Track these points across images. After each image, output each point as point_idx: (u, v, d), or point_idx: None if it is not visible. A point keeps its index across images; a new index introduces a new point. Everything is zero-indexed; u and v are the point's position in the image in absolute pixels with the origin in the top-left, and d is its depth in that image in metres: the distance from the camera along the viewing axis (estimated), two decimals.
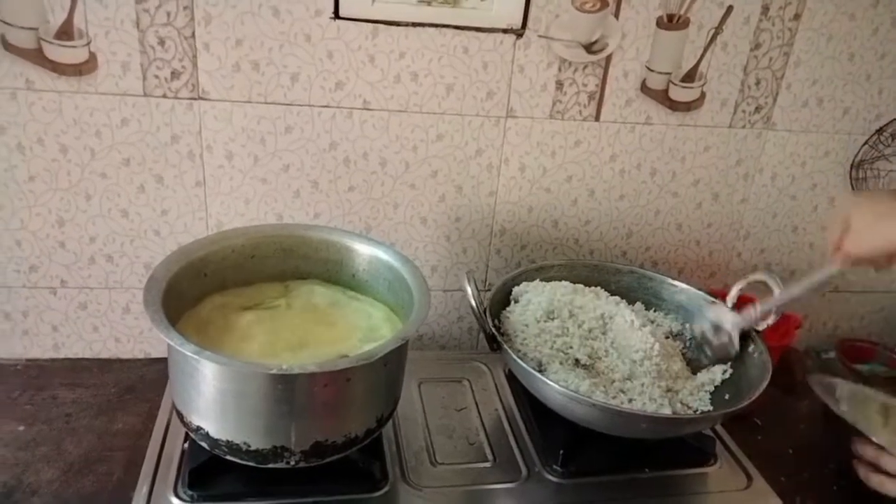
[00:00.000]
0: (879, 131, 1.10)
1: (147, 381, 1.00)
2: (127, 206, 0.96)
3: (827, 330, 1.28)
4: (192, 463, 0.77)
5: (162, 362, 1.03)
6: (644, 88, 1.01)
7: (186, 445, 0.82)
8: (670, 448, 0.87)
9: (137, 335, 1.05)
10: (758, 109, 1.06)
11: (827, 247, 0.80)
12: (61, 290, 1.00)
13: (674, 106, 1.03)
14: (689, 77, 1.01)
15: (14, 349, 1.02)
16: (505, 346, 0.83)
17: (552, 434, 0.87)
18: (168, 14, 0.86)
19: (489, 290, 1.02)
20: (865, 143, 1.11)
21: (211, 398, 0.69)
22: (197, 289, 0.83)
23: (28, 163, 0.91)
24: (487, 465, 0.86)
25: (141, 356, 1.06)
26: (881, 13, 1.02)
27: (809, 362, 1.18)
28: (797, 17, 1.00)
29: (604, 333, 0.92)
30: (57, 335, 1.03)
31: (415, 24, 0.91)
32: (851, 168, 1.13)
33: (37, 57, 0.85)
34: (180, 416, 0.75)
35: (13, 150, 0.90)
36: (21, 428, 0.89)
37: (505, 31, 0.94)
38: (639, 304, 1.00)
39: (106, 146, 0.91)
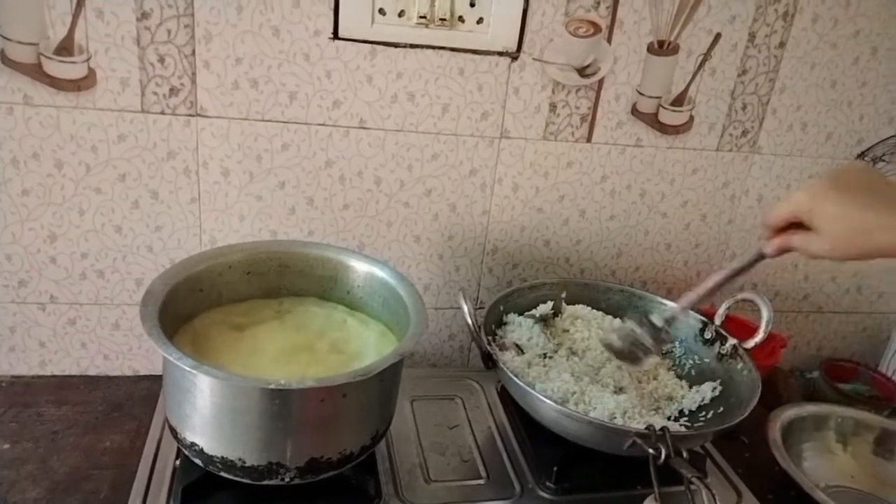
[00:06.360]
0: (861, 156, 1.14)
1: (135, 398, 0.99)
2: (121, 221, 0.95)
3: (811, 350, 1.30)
4: (184, 480, 0.76)
5: (150, 379, 1.03)
6: (635, 111, 1.03)
7: (178, 463, 0.81)
8: (663, 465, 0.87)
9: (126, 352, 1.04)
10: (744, 133, 1.09)
11: (764, 228, 0.71)
12: (50, 306, 0.99)
13: (663, 129, 1.05)
14: (679, 101, 1.04)
15: None
16: (500, 364, 0.84)
17: (545, 451, 0.87)
18: (169, 32, 0.86)
19: (482, 307, 1.03)
20: None
21: (207, 413, 0.69)
22: (192, 304, 0.83)
23: (22, 177, 0.90)
24: (481, 482, 0.86)
25: (129, 373, 1.05)
26: (861, 43, 1.06)
27: (794, 382, 1.19)
28: (782, 45, 1.04)
29: (595, 351, 0.93)
30: (44, 351, 1.01)
31: (412, 46, 0.92)
32: None
33: (35, 72, 0.85)
34: (174, 433, 0.74)
35: (7, 164, 0.89)
36: (6, 446, 0.88)
37: (500, 53, 0.96)
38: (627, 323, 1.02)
39: (102, 162, 0.91)
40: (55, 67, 0.85)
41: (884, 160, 1.14)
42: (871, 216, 0.62)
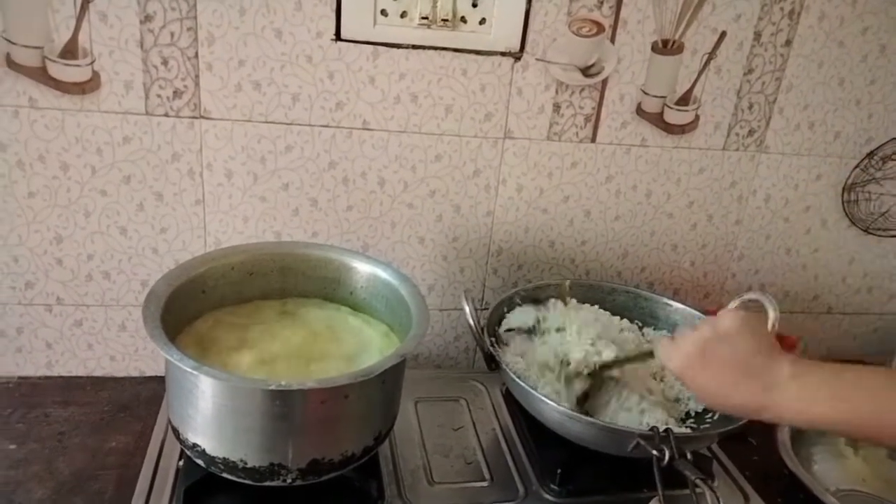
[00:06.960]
0: (870, 155, 1.12)
1: (141, 399, 1.00)
2: (126, 223, 0.96)
3: (821, 350, 1.28)
4: (186, 481, 0.77)
5: (156, 381, 1.03)
6: (639, 111, 1.03)
7: (181, 463, 0.81)
8: (668, 467, 0.87)
9: (132, 353, 1.04)
10: (751, 133, 1.08)
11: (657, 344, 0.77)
12: (57, 308, 0.99)
13: (669, 128, 1.05)
14: (684, 100, 1.03)
15: (6, 366, 1.02)
16: (503, 365, 0.84)
17: (549, 453, 0.87)
18: (172, 34, 0.87)
19: (486, 309, 1.02)
20: (857, 166, 1.13)
21: (208, 414, 0.69)
22: (195, 305, 0.83)
23: (28, 179, 0.91)
24: (485, 484, 0.85)
25: (136, 374, 1.05)
26: (869, 41, 1.05)
27: None
28: (788, 43, 1.03)
29: (601, 350, 0.92)
30: (51, 353, 1.02)
31: (415, 47, 0.92)
32: (843, 191, 1.15)
33: (40, 75, 0.86)
34: (176, 433, 0.75)
35: (13, 166, 0.90)
36: (12, 447, 0.88)
37: (503, 54, 0.95)
38: (634, 323, 1.01)
39: (107, 164, 0.92)
40: (60, 70, 0.86)
41: (893, 159, 1.12)
42: (739, 395, 0.67)
